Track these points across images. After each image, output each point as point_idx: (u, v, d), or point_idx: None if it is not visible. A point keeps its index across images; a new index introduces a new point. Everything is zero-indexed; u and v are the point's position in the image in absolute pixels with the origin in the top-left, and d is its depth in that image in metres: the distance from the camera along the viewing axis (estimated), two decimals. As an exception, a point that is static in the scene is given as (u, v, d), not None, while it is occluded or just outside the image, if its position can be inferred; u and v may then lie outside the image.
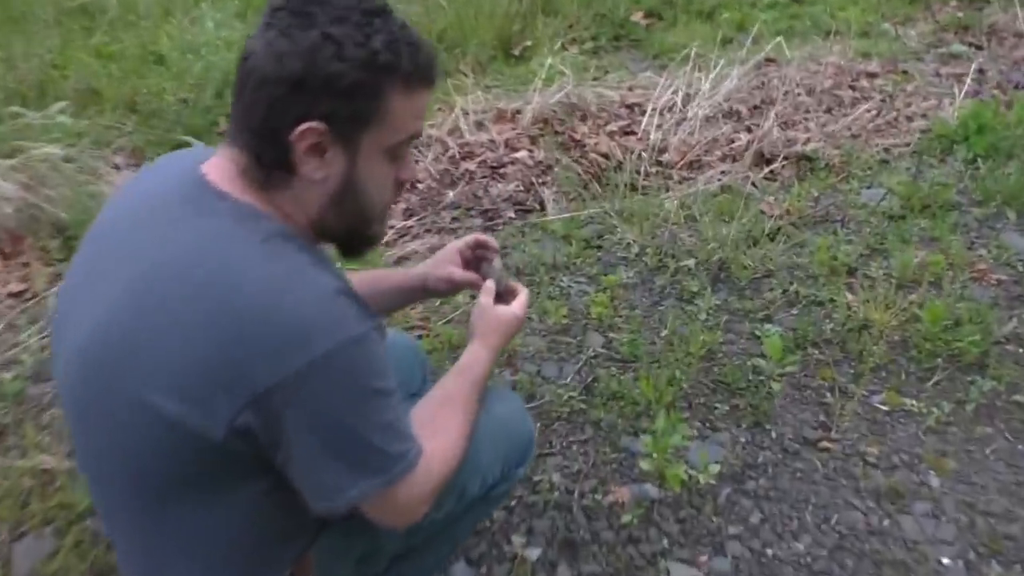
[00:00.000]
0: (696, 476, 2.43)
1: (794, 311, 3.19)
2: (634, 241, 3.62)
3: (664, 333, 3.07)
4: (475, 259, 1.93)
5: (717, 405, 2.76)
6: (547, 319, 3.18)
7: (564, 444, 2.62)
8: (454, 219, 4.15)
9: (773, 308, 3.19)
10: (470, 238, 1.92)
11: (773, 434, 2.65)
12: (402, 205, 4.35)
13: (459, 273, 1.88)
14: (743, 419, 2.71)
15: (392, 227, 4.05)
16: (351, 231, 1.47)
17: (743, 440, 2.64)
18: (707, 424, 2.70)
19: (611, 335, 3.08)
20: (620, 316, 3.19)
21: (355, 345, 1.28)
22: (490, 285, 1.82)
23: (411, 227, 4.10)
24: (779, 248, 3.51)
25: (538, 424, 2.69)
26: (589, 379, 2.86)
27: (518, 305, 1.78)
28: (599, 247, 3.68)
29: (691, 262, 3.44)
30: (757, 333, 3.07)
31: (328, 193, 1.37)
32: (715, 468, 2.46)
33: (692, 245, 3.56)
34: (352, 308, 1.30)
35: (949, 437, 2.61)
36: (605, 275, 3.43)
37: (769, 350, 2.83)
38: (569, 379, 2.87)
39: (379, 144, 1.35)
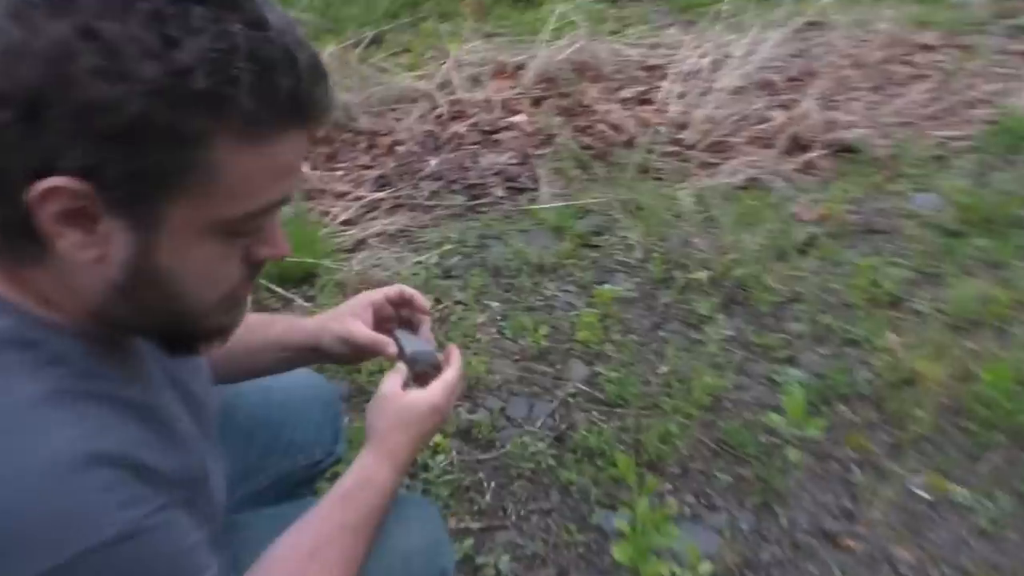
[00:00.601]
0: (682, 576, 1.91)
1: (823, 351, 2.62)
2: (638, 242, 3.04)
3: (662, 370, 2.52)
4: (396, 320, 1.38)
5: (718, 474, 2.22)
6: (523, 339, 2.63)
7: (521, 513, 2.11)
8: (433, 194, 3.57)
9: (797, 346, 2.62)
10: (392, 289, 1.36)
11: (783, 520, 2.12)
12: (374, 172, 3.77)
13: (363, 333, 1.32)
14: (748, 496, 2.17)
15: (357, 198, 3.48)
16: (165, 328, 0.92)
17: (745, 527, 2.11)
18: (703, 500, 2.17)
19: (598, 367, 2.53)
20: (611, 342, 2.64)
21: (109, 551, 0.75)
22: (400, 366, 1.29)
23: (381, 200, 3.53)
24: (811, 266, 2.92)
25: (492, 483, 2.17)
26: (564, 426, 2.32)
27: (439, 389, 1.24)
28: (596, 247, 3.10)
29: (703, 275, 2.86)
30: (776, 378, 2.51)
31: (108, 280, 0.81)
32: (706, 568, 1.94)
33: (707, 254, 2.97)
34: (121, 485, 0.77)
35: (1006, 545, 2.08)
36: (599, 285, 2.87)
37: (788, 405, 2.27)
38: (539, 423, 2.34)
39: (201, 218, 0.79)
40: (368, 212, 3.42)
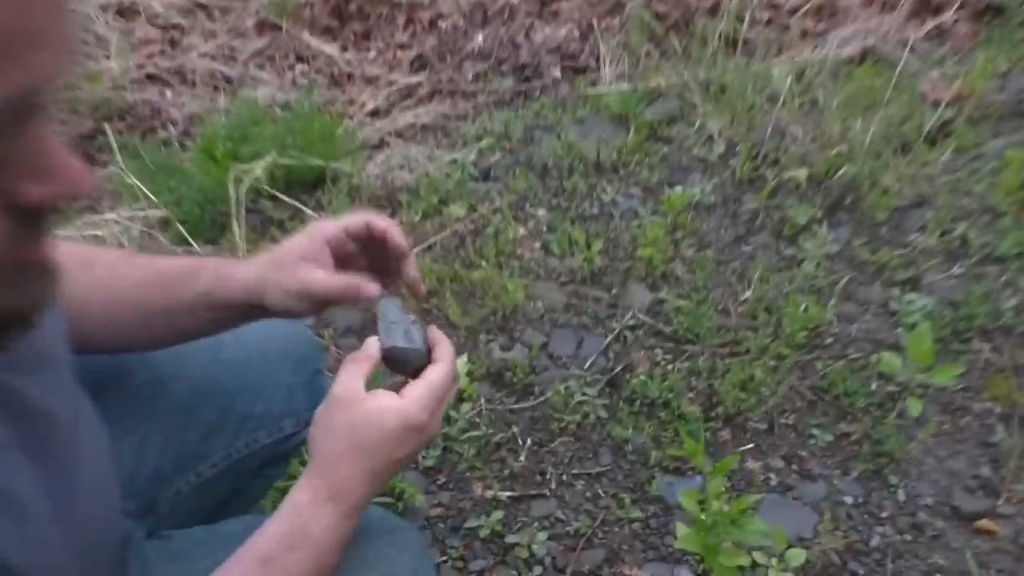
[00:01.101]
0: (766, 568, 1.48)
1: (956, 271, 2.05)
2: (719, 134, 2.47)
3: (746, 296, 2.02)
4: (364, 262, 0.95)
5: (815, 432, 1.75)
6: (572, 256, 2.15)
7: (564, 479, 1.70)
8: (477, 77, 3.05)
9: (923, 264, 2.06)
10: (355, 221, 0.92)
11: (901, 493, 1.65)
12: (411, 51, 3.25)
13: (324, 282, 0.89)
14: (855, 461, 1.70)
15: (390, 83, 2.99)
16: None
17: (850, 500, 1.65)
18: (794, 466, 1.71)
19: (664, 292, 2.05)
20: (683, 260, 2.13)
21: None
22: (372, 343, 0.88)
23: (417, 85, 3.03)
24: (942, 160, 2.30)
25: (528, 441, 1.76)
26: (619, 368, 1.87)
27: (419, 395, 0.85)
28: (667, 139, 2.54)
29: (802, 174, 2.29)
30: (894, 307, 1.98)
31: None
32: (798, 556, 1.50)
33: (807, 147, 2.39)
34: None
35: None
36: (670, 187, 2.34)
37: (910, 343, 1.76)
38: (589, 364, 1.90)
39: None
40: (402, 100, 2.94)
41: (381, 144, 2.61)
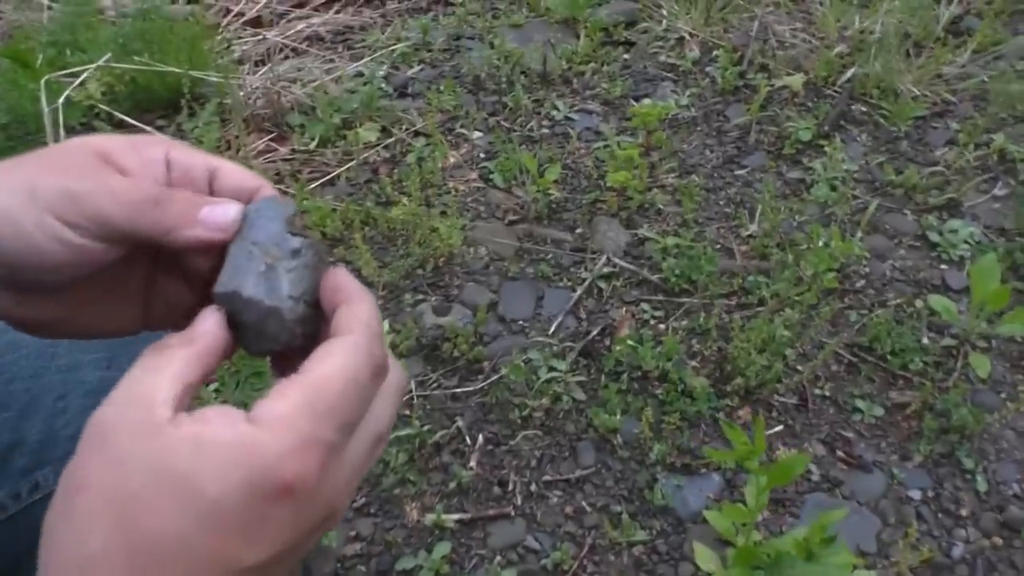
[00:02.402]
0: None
1: (1000, 192, 1.65)
2: (692, 33, 1.99)
3: (751, 231, 1.56)
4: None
5: (859, 405, 1.31)
6: (520, 187, 1.65)
7: (533, 490, 1.21)
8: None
9: (959, 183, 1.65)
10: (180, 153, 0.45)
11: (981, 482, 1.23)
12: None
13: (138, 191, 0.41)
14: (916, 441, 1.28)
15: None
16: None
17: (918, 495, 1.22)
18: (839, 450, 1.27)
19: (644, 229, 1.57)
20: (663, 188, 1.66)
21: None
22: (207, 315, 0.40)
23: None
24: (963, 57, 1.89)
25: (479, 437, 1.26)
26: (595, 331, 1.39)
27: (295, 410, 0.35)
28: (629, 43, 2.05)
29: (797, 80, 1.84)
30: (932, 237, 1.56)
31: None
32: (865, 580, 1.08)
33: (801, 47, 1.94)
34: None
35: None
36: (636, 100, 1.85)
37: (974, 281, 1.34)
38: (554, 328, 1.41)
39: None
40: (292, 9, 2.34)
41: (265, 61, 2.02)
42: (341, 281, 0.41)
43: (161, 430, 0.34)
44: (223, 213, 0.41)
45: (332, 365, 0.37)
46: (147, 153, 0.44)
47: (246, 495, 0.33)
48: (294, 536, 0.35)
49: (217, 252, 0.42)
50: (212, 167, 0.45)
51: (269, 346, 0.41)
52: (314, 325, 0.41)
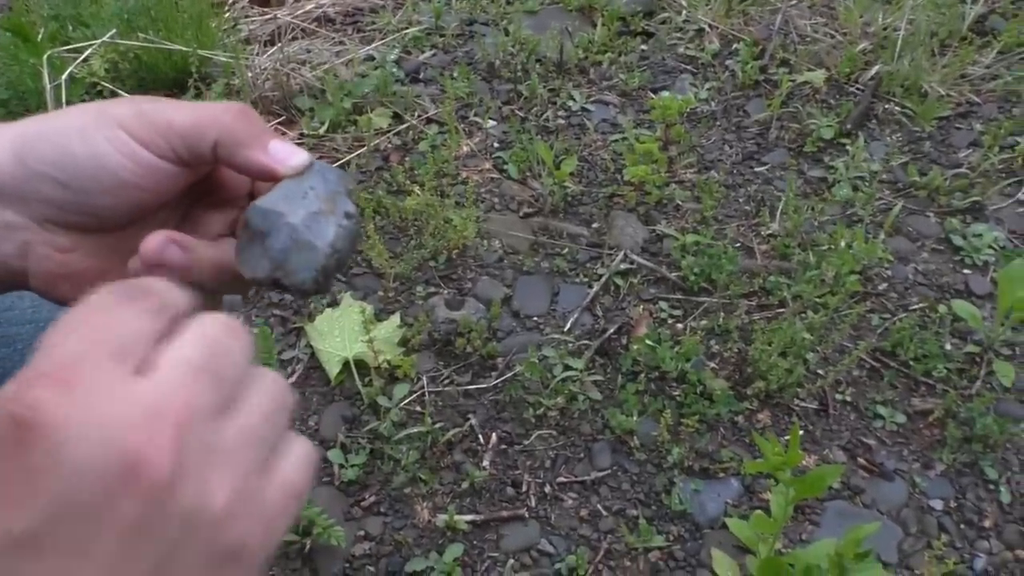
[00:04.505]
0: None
1: (1024, 195, 1.62)
2: (711, 27, 1.95)
3: (772, 230, 1.52)
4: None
5: (881, 411, 1.28)
6: (536, 179, 1.61)
7: (547, 492, 1.18)
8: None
9: (984, 186, 1.61)
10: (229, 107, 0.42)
11: (1004, 493, 1.21)
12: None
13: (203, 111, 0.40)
14: (939, 450, 1.25)
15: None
16: None
17: (940, 505, 1.19)
18: (860, 457, 1.24)
19: (663, 225, 1.53)
20: (681, 184, 1.62)
21: None
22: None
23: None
24: (988, 57, 1.86)
25: (492, 436, 1.23)
26: (612, 329, 1.35)
27: (167, 369, 0.30)
28: (647, 33, 2.01)
29: (819, 76, 1.81)
30: (956, 241, 1.52)
31: None
32: (887, 593, 1.05)
33: (823, 42, 1.90)
34: None
35: None
36: (654, 92, 1.81)
37: (1002, 287, 1.31)
38: (569, 325, 1.37)
39: None
40: (298, -9, 2.28)
41: (273, 41, 1.97)
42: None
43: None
44: (291, 151, 0.41)
45: (200, 322, 0.33)
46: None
47: (93, 475, 0.26)
48: (62, 486, 0.26)
49: (232, 221, 0.44)
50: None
51: (282, 275, 0.38)
52: (323, 287, 0.39)
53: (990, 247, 1.50)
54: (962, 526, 1.18)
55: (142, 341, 0.31)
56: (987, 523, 1.18)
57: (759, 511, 1.12)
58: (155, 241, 0.37)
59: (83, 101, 1.62)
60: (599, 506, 1.17)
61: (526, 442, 1.22)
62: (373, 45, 1.94)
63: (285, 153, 0.41)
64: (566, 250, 1.48)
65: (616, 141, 1.69)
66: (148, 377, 0.29)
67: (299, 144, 1.54)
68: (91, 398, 0.27)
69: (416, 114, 1.74)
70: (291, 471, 0.33)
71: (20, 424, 0.26)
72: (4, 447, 0.26)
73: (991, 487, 1.21)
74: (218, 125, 0.39)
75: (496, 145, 1.69)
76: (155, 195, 0.41)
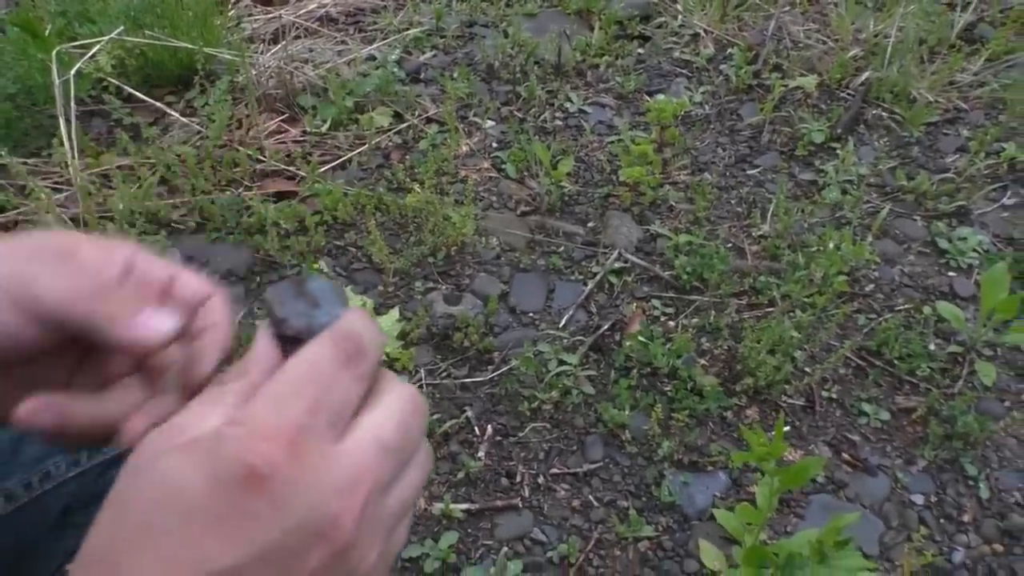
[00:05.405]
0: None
1: (1009, 201, 1.66)
2: (706, 32, 1.99)
3: (762, 231, 1.56)
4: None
5: (866, 408, 1.32)
6: (533, 179, 1.64)
7: (540, 483, 1.21)
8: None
9: (970, 191, 1.65)
10: (140, 257, 0.45)
11: (983, 489, 1.25)
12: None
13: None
14: (921, 447, 1.29)
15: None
16: None
17: (920, 500, 1.23)
18: (845, 452, 1.28)
19: (656, 225, 1.57)
20: (675, 185, 1.66)
21: None
22: (263, 340, 0.39)
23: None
24: (976, 65, 1.90)
25: (487, 428, 1.26)
26: (606, 325, 1.39)
27: (271, 395, 0.34)
28: (644, 37, 2.05)
29: (811, 81, 1.85)
30: (942, 244, 1.57)
31: None
32: (868, 583, 1.09)
33: (815, 48, 1.94)
34: None
35: None
36: (650, 95, 1.85)
37: (984, 290, 1.35)
38: (564, 321, 1.41)
39: None
40: (301, -10, 2.31)
41: (276, 38, 2.00)
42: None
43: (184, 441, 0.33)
44: (157, 322, 0.41)
45: (296, 358, 0.36)
46: (110, 254, 0.43)
47: (214, 485, 0.32)
48: (274, 535, 0.32)
49: (134, 363, 0.45)
50: (171, 275, 0.44)
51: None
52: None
53: (975, 250, 1.54)
54: (942, 520, 1.22)
55: (350, 407, 0.36)
56: (966, 517, 1.22)
57: (746, 503, 1.16)
58: (27, 407, 0.40)
59: (91, 96, 1.65)
60: (591, 497, 1.20)
61: (521, 434, 1.26)
62: (375, 45, 1.97)
63: (148, 322, 0.41)
64: (562, 248, 1.52)
65: (612, 142, 1.72)
66: (348, 444, 0.35)
67: (301, 141, 1.58)
68: (310, 465, 0.33)
69: (417, 113, 1.77)
70: (404, 534, 0.39)
71: (253, 474, 0.31)
72: (231, 489, 0.31)
73: (971, 483, 1.25)
74: (86, 307, 0.40)
75: (495, 145, 1.72)
76: (32, 350, 0.41)
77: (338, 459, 0.33)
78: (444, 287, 1.44)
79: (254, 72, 1.76)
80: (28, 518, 0.68)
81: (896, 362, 1.37)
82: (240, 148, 1.60)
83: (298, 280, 0.40)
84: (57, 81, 1.45)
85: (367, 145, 1.67)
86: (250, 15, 2.13)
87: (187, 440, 0.33)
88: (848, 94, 1.84)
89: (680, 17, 2.03)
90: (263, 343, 0.39)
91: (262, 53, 1.88)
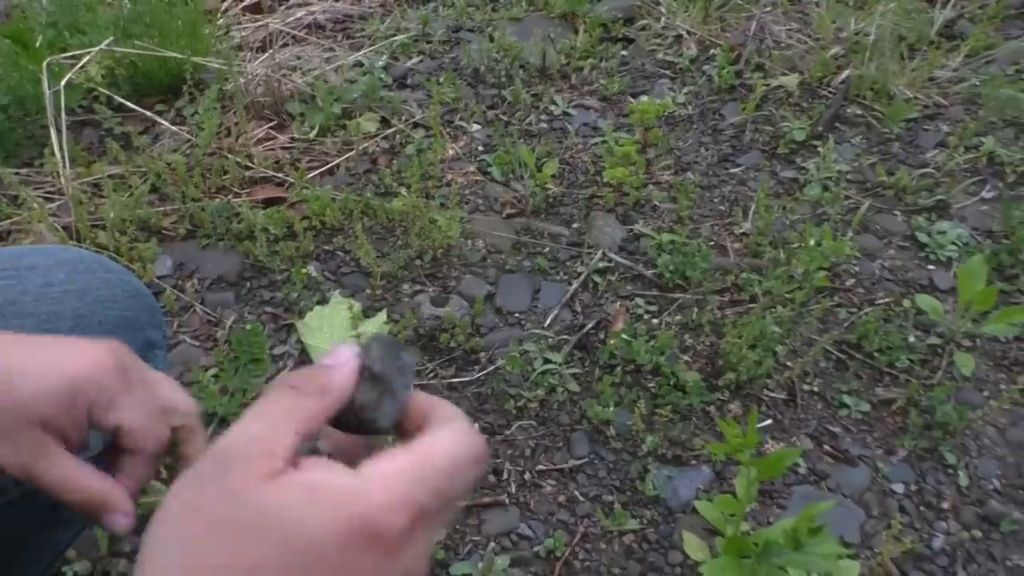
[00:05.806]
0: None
1: (988, 195, 1.69)
2: (689, 33, 2.02)
3: (744, 228, 1.59)
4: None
5: (847, 400, 1.35)
6: (519, 181, 1.67)
7: (527, 479, 1.24)
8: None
9: (949, 186, 1.68)
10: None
11: (962, 477, 1.27)
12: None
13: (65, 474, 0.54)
14: (901, 437, 1.31)
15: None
16: None
17: (900, 489, 1.26)
18: (826, 444, 1.30)
19: (640, 225, 1.59)
20: (659, 185, 1.68)
21: None
22: (345, 354, 0.44)
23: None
24: (955, 61, 1.92)
25: (474, 426, 1.28)
26: (590, 324, 1.41)
27: (403, 471, 0.38)
28: (627, 40, 2.07)
29: (792, 80, 1.87)
30: (921, 238, 1.59)
31: None
32: (851, 568, 1.12)
33: (797, 47, 1.96)
34: None
35: None
36: (634, 96, 1.88)
37: (961, 282, 1.38)
38: (550, 320, 1.43)
39: None
40: (289, -2, 2.34)
41: (264, 46, 2.03)
42: (425, 400, 0.46)
43: (277, 475, 0.37)
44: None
45: (441, 440, 0.40)
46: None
47: (344, 538, 0.35)
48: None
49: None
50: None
51: (365, 425, 0.45)
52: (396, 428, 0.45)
53: (954, 244, 1.57)
54: (922, 508, 1.24)
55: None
56: (946, 505, 1.24)
57: (728, 495, 1.18)
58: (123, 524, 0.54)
59: (81, 107, 1.68)
60: (576, 492, 1.23)
61: (507, 432, 1.28)
62: (362, 52, 2.00)
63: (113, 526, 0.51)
64: (547, 249, 1.54)
65: (596, 144, 1.75)
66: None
67: (290, 147, 1.60)
68: (418, 539, 0.36)
69: (403, 119, 1.80)
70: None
71: (379, 537, 0.35)
72: (358, 546, 0.35)
73: (950, 471, 1.28)
74: (88, 391, 0.48)
75: (480, 148, 1.75)
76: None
77: (433, 532, 0.38)
78: (431, 289, 1.46)
79: (243, 80, 1.79)
80: (20, 512, 0.70)
81: (876, 355, 1.39)
82: (229, 155, 1.62)
83: (398, 343, 0.45)
84: (48, 92, 1.47)
85: (354, 151, 1.70)
86: (239, 24, 2.16)
87: (308, 483, 0.36)
88: (829, 92, 1.87)
89: (663, 19, 2.06)
90: (349, 369, 0.43)
91: (250, 61, 1.90)
